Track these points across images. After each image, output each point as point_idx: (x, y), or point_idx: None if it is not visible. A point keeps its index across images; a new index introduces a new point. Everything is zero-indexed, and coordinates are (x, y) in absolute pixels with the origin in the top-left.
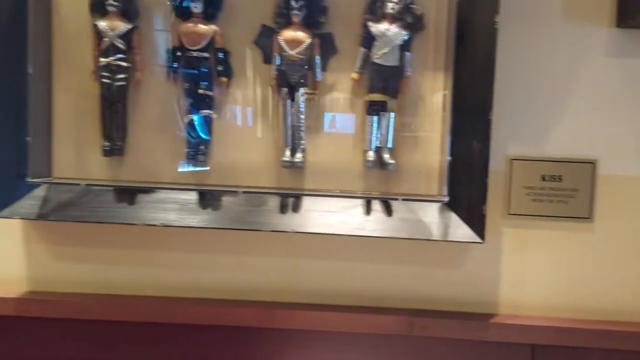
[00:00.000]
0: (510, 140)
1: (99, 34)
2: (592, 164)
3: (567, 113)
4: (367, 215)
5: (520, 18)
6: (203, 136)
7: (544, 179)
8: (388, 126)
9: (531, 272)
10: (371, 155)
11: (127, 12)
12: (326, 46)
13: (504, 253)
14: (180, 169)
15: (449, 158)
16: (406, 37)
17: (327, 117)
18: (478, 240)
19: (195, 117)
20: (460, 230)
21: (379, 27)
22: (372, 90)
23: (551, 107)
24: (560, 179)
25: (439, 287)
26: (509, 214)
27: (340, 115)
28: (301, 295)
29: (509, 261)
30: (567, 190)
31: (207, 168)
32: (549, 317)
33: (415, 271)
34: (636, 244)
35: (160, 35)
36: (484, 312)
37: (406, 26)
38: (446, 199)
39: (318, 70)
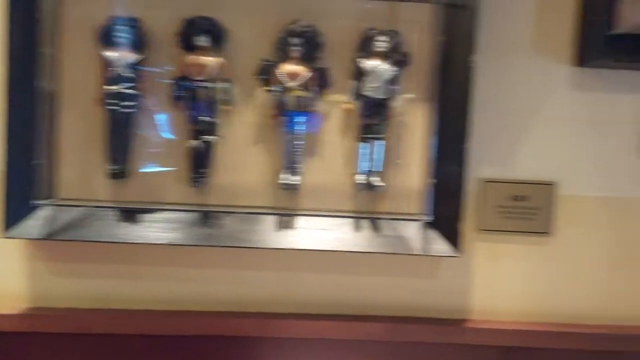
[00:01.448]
0: (484, 164)
1: (106, 63)
2: (552, 185)
3: (533, 140)
4: (356, 233)
5: (494, 55)
6: (203, 161)
7: (512, 198)
8: (378, 152)
9: (501, 281)
10: (361, 178)
11: (135, 43)
12: (322, 79)
13: (477, 265)
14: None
15: (432, 181)
16: (394, 73)
17: (321, 142)
18: (455, 254)
19: (197, 143)
20: (439, 246)
21: (369, 64)
22: (363, 119)
23: (520, 134)
24: (526, 198)
25: (418, 297)
26: (481, 230)
27: (333, 141)
28: (294, 306)
29: (481, 272)
30: (532, 209)
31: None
32: (518, 322)
33: (398, 282)
34: (590, 254)
35: (165, 66)
36: (459, 318)
37: (394, 62)
38: (429, 218)
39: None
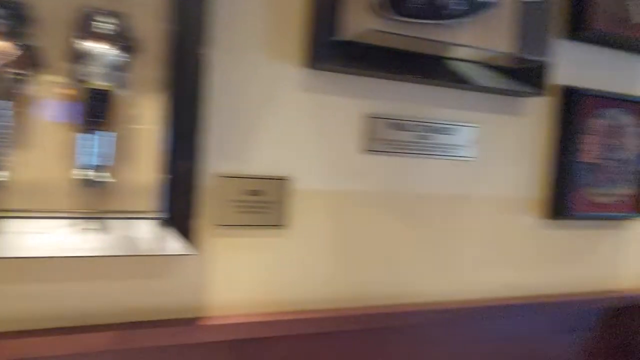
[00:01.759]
0: (219, 159)
1: None
2: (286, 180)
3: (266, 137)
4: (79, 235)
5: (228, 49)
6: None
7: (248, 193)
8: (103, 144)
9: (238, 275)
10: (83, 173)
11: None
12: (31, 59)
13: (214, 260)
14: None
15: (165, 176)
16: (121, 59)
17: (37, 132)
18: (190, 252)
19: None
20: (174, 244)
21: (88, 46)
22: (85, 107)
23: (254, 131)
24: (261, 193)
25: (154, 299)
26: (218, 225)
27: (49, 131)
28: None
29: (219, 267)
30: (266, 203)
31: None
32: (254, 314)
33: (130, 286)
34: (323, 245)
35: None
36: (197, 316)
37: (122, 48)
38: (163, 215)
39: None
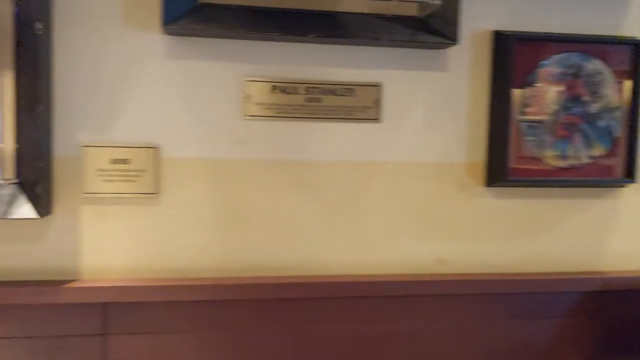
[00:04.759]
0: (82, 129)
1: None
2: (156, 148)
3: (132, 106)
4: None
5: (84, 22)
6: None
7: (113, 162)
8: None
9: (109, 242)
10: None
11: None
12: None
13: (83, 228)
14: None
15: (15, 145)
16: None
17: None
18: (36, 216)
19: None
20: (24, 209)
21: None
22: None
23: (118, 101)
24: (128, 162)
25: (22, 262)
26: (85, 193)
27: None
28: None
29: (88, 234)
30: (135, 171)
31: None
32: (126, 279)
33: None
34: (195, 213)
35: None
36: (66, 279)
37: None
38: (14, 181)
39: None
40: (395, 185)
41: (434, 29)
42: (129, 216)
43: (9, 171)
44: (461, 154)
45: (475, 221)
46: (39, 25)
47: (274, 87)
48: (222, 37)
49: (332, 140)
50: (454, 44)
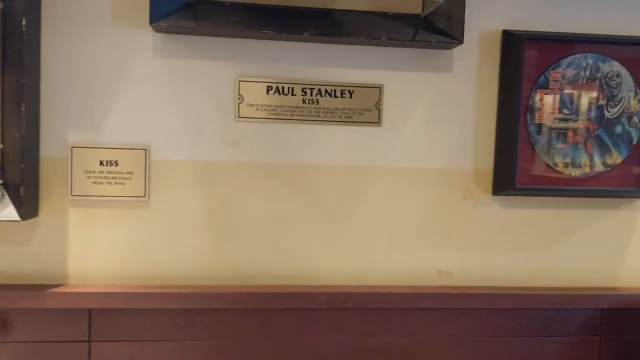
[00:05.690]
0: (70, 130)
1: None
2: (145, 150)
3: (122, 107)
4: None
5: (75, 21)
6: None
7: (101, 163)
8: None
9: (97, 246)
10: None
11: None
12: None
13: (70, 231)
14: None
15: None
16: None
17: None
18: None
19: None
20: (7, 211)
21: None
22: None
23: (108, 102)
24: (116, 163)
25: (6, 265)
26: (73, 195)
27: None
28: None
29: (76, 237)
30: (123, 173)
31: None
32: (113, 285)
33: None
34: (185, 216)
35: None
36: (52, 284)
37: None
38: None
39: None
40: (396, 192)
41: (438, 28)
42: (117, 220)
43: None
44: (466, 160)
45: (481, 232)
46: (25, 22)
47: (269, 88)
48: (214, 35)
49: (329, 143)
50: (460, 44)
